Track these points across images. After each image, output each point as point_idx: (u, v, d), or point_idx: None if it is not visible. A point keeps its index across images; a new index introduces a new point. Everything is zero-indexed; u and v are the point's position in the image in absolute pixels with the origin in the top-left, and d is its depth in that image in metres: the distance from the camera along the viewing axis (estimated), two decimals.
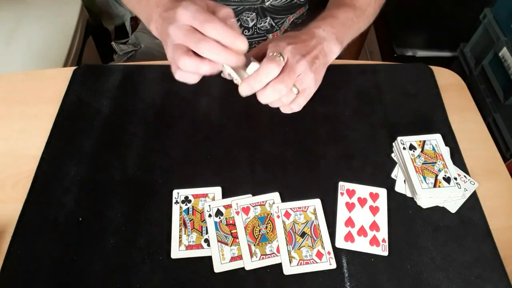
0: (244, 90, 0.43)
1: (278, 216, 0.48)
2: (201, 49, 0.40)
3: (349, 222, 0.48)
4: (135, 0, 0.51)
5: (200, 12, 0.40)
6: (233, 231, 0.47)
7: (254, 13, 0.67)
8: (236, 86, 0.46)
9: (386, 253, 0.46)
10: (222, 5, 0.43)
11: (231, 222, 0.48)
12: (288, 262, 0.45)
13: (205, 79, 0.62)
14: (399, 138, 0.55)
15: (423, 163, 0.52)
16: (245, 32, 0.70)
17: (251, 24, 0.69)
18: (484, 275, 0.45)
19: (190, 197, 0.50)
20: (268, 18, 0.69)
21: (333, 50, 0.50)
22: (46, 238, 0.46)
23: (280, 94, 0.43)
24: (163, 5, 0.45)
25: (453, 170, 0.52)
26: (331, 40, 0.49)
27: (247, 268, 0.45)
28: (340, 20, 0.52)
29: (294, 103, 0.47)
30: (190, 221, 0.48)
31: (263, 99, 0.44)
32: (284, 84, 0.43)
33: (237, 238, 0.47)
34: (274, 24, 0.71)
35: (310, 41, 0.47)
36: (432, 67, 0.67)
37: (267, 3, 0.66)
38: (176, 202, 0.49)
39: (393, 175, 0.53)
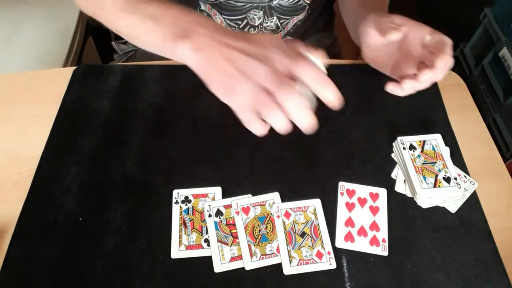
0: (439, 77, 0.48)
1: (278, 216, 0.48)
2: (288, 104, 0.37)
3: (349, 222, 0.48)
4: (137, 19, 0.45)
5: (291, 49, 0.39)
6: (233, 231, 0.47)
7: (262, 12, 0.67)
8: None
9: (386, 253, 0.46)
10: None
11: (231, 222, 0.48)
12: (288, 262, 0.45)
13: None
14: (399, 138, 0.55)
15: (423, 163, 0.52)
16: (251, 30, 0.70)
17: (257, 23, 0.69)
18: (484, 275, 0.45)
19: (190, 197, 0.49)
20: (275, 17, 0.69)
21: None
22: (46, 238, 0.46)
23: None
24: (215, 27, 0.42)
25: (453, 170, 0.52)
26: None
27: (247, 268, 0.45)
28: None
29: None
30: (190, 221, 0.48)
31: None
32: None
33: (237, 238, 0.47)
34: (279, 25, 0.71)
35: None
36: None
37: (274, 2, 0.66)
38: (176, 202, 0.49)
39: (393, 175, 0.53)
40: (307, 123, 0.39)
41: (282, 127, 0.38)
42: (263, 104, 0.38)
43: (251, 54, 0.39)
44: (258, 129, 0.40)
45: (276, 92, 0.37)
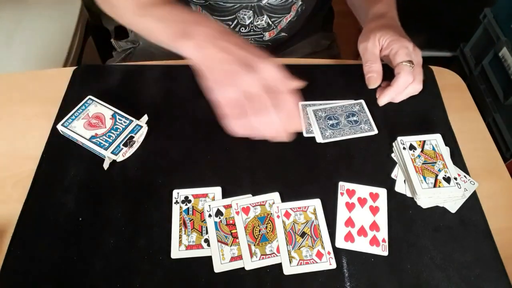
0: (384, 101, 0.57)
1: (278, 216, 0.48)
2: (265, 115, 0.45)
3: (349, 222, 0.48)
4: (150, 21, 0.52)
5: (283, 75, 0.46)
6: (233, 231, 0.47)
7: (251, 11, 0.68)
8: None
9: (386, 253, 0.46)
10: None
11: (231, 222, 0.48)
12: (288, 262, 0.45)
13: None
14: (399, 138, 0.55)
15: (423, 163, 0.52)
16: (242, 29, 0.70)
17: (247, 22, 0.69)
18: (484, 275, 0.45)
19: (190, 197, 0.50)
20: (265, 16, 0.69)
21: None
22: (46, 238, 0.46)
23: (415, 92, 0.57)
24: (219, 31, 0.48)
25: (453, 170, 0.52)
26: None
27: (247, 268, 0.45)
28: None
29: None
30: (190, 221, 0.48)
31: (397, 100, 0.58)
32: (420, 84, 0.56)
33: (237, 238, 0.47)
34: (270, 23, 0.71)
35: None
36: (432, 67, 0.66)
37: (264, 1, 0.66)
38: (176, 202, 0.49)
39: (393, 175, 0.53)
40: (272, 135, 0.47)
41: (259, 129, 0.46)
42: (243, 109, 0.45)
43: (243, 62, 0.46)
44: (233, 126, 0.47)
45: (257, 104, 0.45)
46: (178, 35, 0.49)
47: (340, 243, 0.47)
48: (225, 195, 0.50)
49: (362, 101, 0.59)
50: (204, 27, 0.49)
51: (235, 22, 0.69)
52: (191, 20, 0.50)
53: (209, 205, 0.49)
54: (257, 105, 0.45)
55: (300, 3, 0.70)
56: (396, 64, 0.54)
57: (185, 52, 0.49)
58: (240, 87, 0.45)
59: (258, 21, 0.69)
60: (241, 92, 0.45)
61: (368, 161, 0.54)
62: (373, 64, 0.56)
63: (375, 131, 0.56)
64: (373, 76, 0.56)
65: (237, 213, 0.48)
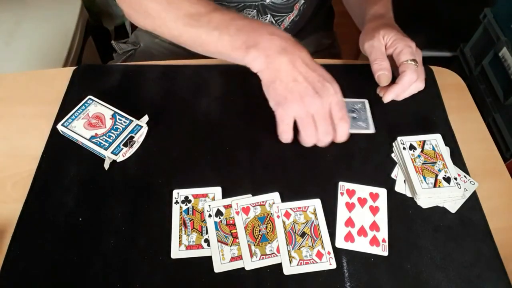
0: (389, 98, 0.57)
1: (278, 216, 0.48)
2: (322, 140, 0.49)
3: (349, 222, 0.48)
4: (202, 31, 0.49)
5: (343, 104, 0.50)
6: (233, 231, 0.47)
7: (255, 10, 0.68)
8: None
9: (386, 253, 0.46)
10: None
11: (231, 222, 0.48)
12: (288, 262, 0.45)
13: (205, 78, 0.62)
14: (399, 138, 0.55)
15: (423, 163, 0.52)
16: None
17: None
18: (484, 275, 0.45)
19: (190, 197, 0.50)
20: (269, 15, 0.69)
21: None
22: (46, 238, 0.46)
23: (417, 90, 0.57)
24: (285, 39, 0.49)
25: (453, 170, 0.52)
26: None
27: (247, 268, 0.45)
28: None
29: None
30: (190, 221, 0.48)
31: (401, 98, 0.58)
32: (423, 83, 0.56)
33: (237, 238, 0.47)
34: (274, 22, 0.71)
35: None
36: (432, 67, 0.66)
37: (267, 0, 0.66)
38: (176, 202, 0.49)
39: (393, 175, 0.53)
40: (326, 145, 0.51)
41: (310, 145, 0.50)
42: (308, 128, 0.48)
43: (312, 84, 0.47)
44: (287, 139, 0.51)
45: (320, 129, 0.48)
46: (241, 45, 0.47)
47: (340, 243, 0.47)
48: (225, 195, 0.50)
49: (366, 101, 0.59)
50: (270, 35, 0.48)
51: None
52: (249, 26, 0.48)
53: (209, 205, 0.49)
54: (311, 128, 0.48)
55: (302, 1, 0.70)
56: (401, 62, 0.54)
57: (250, 62, 0.48)
58: (306, 108, 0.47)
59: (261, 20, 0.69)
60: (306, 113, 0.47)
61: (368, 161, 0.54)
62: (382, 62, 0.55)
63: (371, 130, 0.56)
64: (384, 73, 0.55)
65: (237, 213, 0.48)
